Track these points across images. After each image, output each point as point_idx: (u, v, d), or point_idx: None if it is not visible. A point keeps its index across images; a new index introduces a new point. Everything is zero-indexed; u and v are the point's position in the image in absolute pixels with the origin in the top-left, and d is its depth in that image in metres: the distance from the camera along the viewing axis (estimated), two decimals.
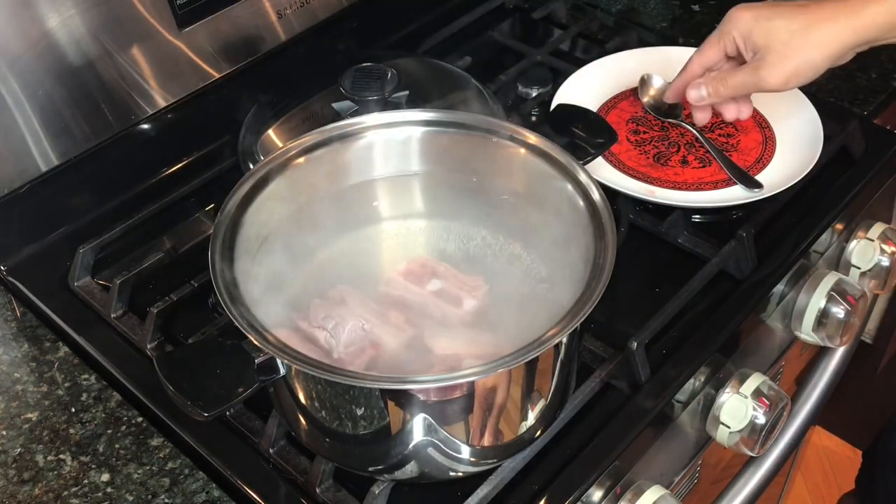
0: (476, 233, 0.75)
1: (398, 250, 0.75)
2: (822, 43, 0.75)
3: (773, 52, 0.77)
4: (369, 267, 0.74)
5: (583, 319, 0.59)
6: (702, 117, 0.88)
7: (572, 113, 0.86)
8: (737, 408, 0.81)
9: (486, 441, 0.65)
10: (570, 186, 0.69)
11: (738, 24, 0.79)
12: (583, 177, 0.69)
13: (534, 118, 1.03)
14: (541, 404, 0.66)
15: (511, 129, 0.73)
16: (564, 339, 0.62)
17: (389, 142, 0.75)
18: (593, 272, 0.62)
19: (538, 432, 0.68)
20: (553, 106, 0.97)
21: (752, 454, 0.84)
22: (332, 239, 0.75)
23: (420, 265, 0.72)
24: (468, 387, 0.60)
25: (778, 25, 0.77)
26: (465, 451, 0.64)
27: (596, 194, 0.68)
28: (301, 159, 0.72)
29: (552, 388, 0.66)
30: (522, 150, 0.73)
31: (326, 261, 0.73)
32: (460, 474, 0.68)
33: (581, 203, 0.68)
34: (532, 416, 0.66)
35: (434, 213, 0.77)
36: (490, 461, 0.68)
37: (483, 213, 0.75)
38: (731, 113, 0.86)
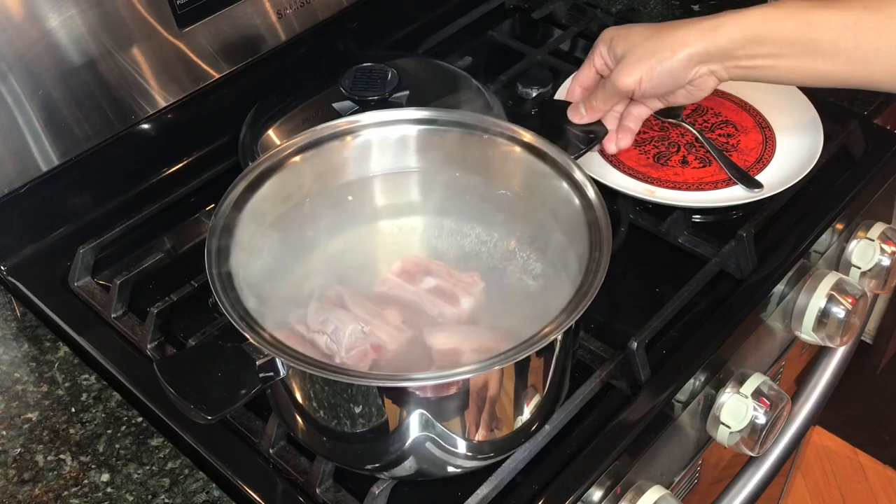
0: (471, 230, 0.75)
1: (394, 249, 0.75)
2: (672, 45, 0.77)
3: (629, 54, 0.80)
4: (365, 266, 0.74)
5: (578, 317, 0.60)
6: (617, 143, 0.88)
7: (563, 108, 0.86)
8: (737, 408, 0.81)
9: (484, 436, 0.65)
10: (565, 184, 0.70)
11: (604, 38, 0.83)
12: (578, 174, 0.69)
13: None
14: (536, 399, 0.66)
15: (506, 127, 0.73)
16: (560, 336, 0.62)
17: (384, 140, 0.75)
18: (588, 269, 0.62)
19: (535, 427, 0.68)
20: None
21: (752, 454, 0.84)
22: (328, 238, 0.75)
23: (414, 264, 0.72)
24: (464, 384, 0.60)
25: (636, 33, 0.80)
26: (463, 447, 0.65)
27: (591, 192, 0.68)
28: (296, 158, 0.72)
29: (548, 384, 0.66)
30: (517, 148, 0.73)
31: (323, 260, 0.73)
32: (459, 471, 0.68)
33: (576, 201, 0.68)
34: (528, 412, 0.66)
35: (430, 212, 0.77)
36: (488, 456, 0.68)
37: (478, 211, 0.75)
38: (609, 143, 0.87)
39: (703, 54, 0.77)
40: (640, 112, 0.86)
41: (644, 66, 0.78)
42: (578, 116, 0.85)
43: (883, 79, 0.75)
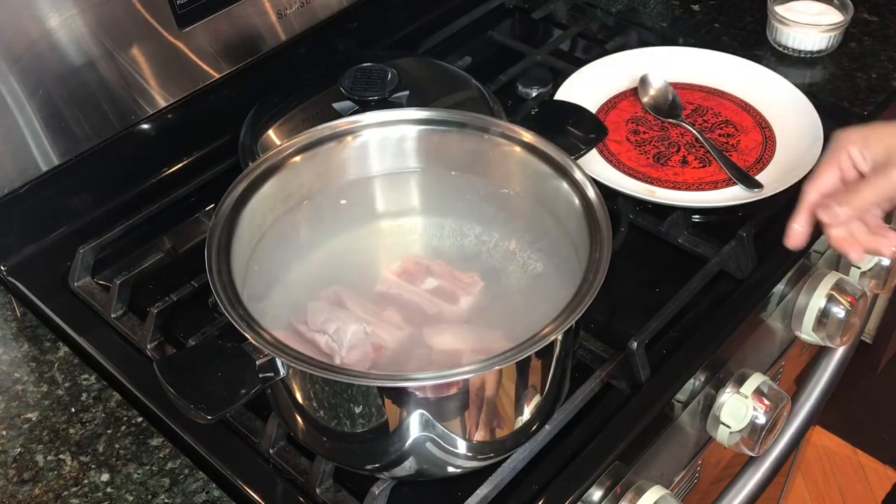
0: (470, 230, 0.75)
1: (393, 249, 0.75)
2: None
3: None
4: (365, 266, 0.74)
5: (578, 317, 0.60)
6: (856, 256, 0.77)
7: (563, 109, 0.86)
8: (737, 408, 0.81)
9: (484, 436, 0.65)
10: (565, 184, 0.69)
11: (851, 139, 0.77)
12: (578, 174, 0.69)
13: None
14: (536, 400, 0.66)
15: (506, 127, 0.73)
16: (560, 336, 0.62)
17: (384, 140, 0.75)
18: (588, 269, 0.62)
19: (534, 427, 0.68)
20: None
21: (752, 454, 0.84)
22: (328, 238, 0.75)
23: (414, 263, 0.72)
24: (464, 384, 0.60)
25: (893, 132, 0.75)
26: (463, 447, 0.65)
27: (591, 192, 0.68)
28: (296, 159, 0.72)
29: (548, 384, 0.66)
30: (517, 148, 0.73)
31: (322, 260, 0.74)
32: (459, 471, 0.68)
33: (576, 201, 0.68)
34: (528, 412, 0.66)
35: (429, 212, 0.77)
36: (488, 456, 0.68)
37: (478, 211, 0.75)
38: (886, 247, 0.76)
39: None
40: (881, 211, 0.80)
41: None
42: (832, 215, 0.75)
43: None
